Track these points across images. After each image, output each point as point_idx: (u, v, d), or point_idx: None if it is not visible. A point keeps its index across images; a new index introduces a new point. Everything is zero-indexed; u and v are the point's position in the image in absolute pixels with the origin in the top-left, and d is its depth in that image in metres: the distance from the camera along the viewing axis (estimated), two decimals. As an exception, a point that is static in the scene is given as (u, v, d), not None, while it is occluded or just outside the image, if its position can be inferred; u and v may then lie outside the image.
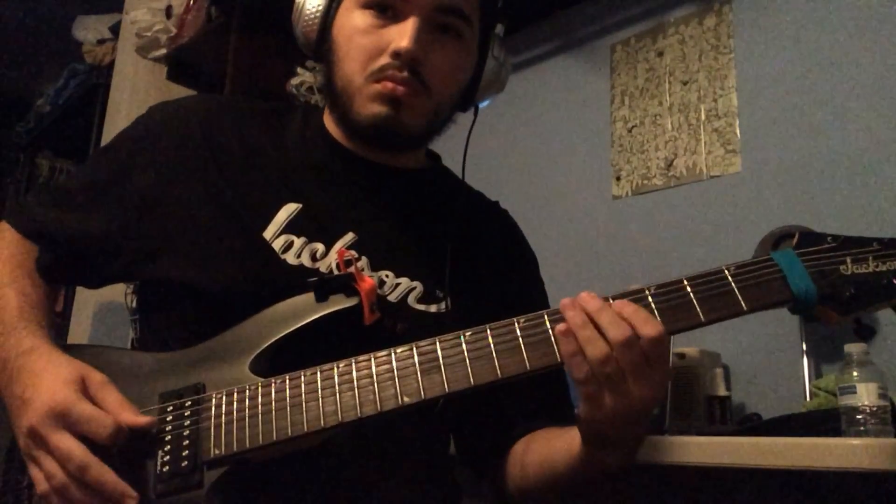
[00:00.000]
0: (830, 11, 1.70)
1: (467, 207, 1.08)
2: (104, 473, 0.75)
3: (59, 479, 0.76)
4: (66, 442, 0.76)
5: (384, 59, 0.91)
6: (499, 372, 0.76)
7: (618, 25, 2.13)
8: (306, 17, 0.97)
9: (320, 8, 0.96)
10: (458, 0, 0.94)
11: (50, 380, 0.80)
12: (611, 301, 0.76)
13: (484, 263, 1.04)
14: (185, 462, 0.78)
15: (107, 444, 0.76)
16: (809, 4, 1.74)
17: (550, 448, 0.91)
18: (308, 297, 0.87)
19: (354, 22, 0.93)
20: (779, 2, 1.79)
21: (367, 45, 0.92)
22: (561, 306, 0.76)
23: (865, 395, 1.13)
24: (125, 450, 0.78)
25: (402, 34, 0.90)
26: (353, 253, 0.93)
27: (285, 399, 0.79)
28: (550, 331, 0.77)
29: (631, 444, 0.82)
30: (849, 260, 0.76)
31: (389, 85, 0.91)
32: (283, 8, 0.98)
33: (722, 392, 1.53)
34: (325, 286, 0.86)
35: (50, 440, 0.76)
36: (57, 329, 0.93)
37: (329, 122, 1.01)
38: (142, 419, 0.79)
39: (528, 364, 0.76)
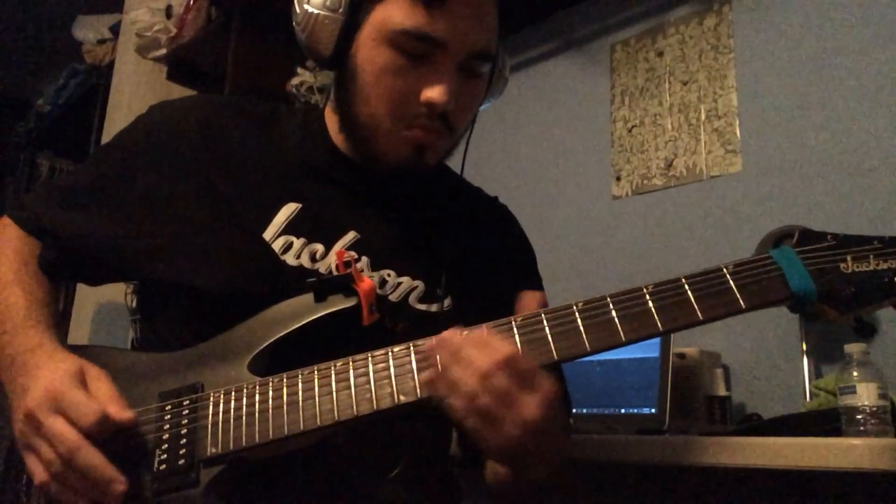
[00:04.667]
0: (830, 11, 1.70)
1: (467, 204, 1.08)
2: (93, 457, 0.75)
3: (57, 467, 0.76)
4: (59, 424, 0.76)
5: (416, 108, 0.89)
6: None
7: (618, 25, 2.13)
8: (318, 31, 0.91)
9: (338, 27, 0.90)
10: (488, 44, 0.92)
11: (50, 370, 0.81)
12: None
13: (484, 260, 1.04)
14: (182, 460, 0.79)
15: (90, 432, 0.76)
16: (809, 4, 1.74)
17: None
18: (307, 298, 0.87)
19: (383, 60, 0.88)
20: (779, 2, 1.79)
21: (398, 88, 0.89)
22: (427, 348, 0.77)
23: (865, 395, 1.13)
24: (118, 446, 0.78)
25: (437, 86, 0.88)
26: (353, 254, 0.93)
27: (282, 398, 0.79)
28: (547, 330, 0.77)
29: (546, 459, 0.79)
30: (849, 258, 0.76)
31: (420, 134, 0.91)
32: (283, 8, 0.96)
33: (722, 392, 1.53)
34: (324, 286, 0.86)
35: (45, 422, 0.77)
36: (58, 328, 0.93)
37: (330, 126, 1.00)
38: (123, 414, 0.79)
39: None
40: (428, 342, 0.78)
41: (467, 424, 0.74)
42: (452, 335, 0.76)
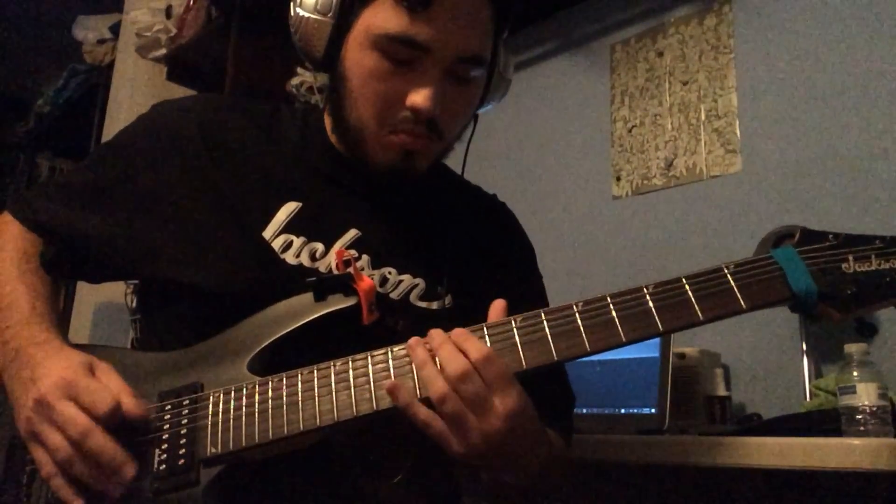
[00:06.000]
0: (830, 11, 1.70)
1: (466, 202, 1.08)
2: (104, 440, 0.75)
3: (64, 453, 0.76)
4: (70, 409, 0.76)
5: (401, 112, 0.89)
6: None
7: (618, 25, 2.13)
8: (309, 34, 0.91)
9: (327, 30, 0.90)
10: (477, 48, 0.91)
11: (62, 360, 0.81)
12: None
13: (484, 258, 1.04)
14: (182, 460, 0.78)
15: (103, 418, 0.76)
16: (809, 5, 1.74)
17: None
18: (307, 297, 0.87)
19: (369, 64, 0.88)
20: (779, 2, 1.79)
21: (384, 92, 0.88)
22: (407, 346, 0.79)
23: (865, 395, 1.13)
24: (124, 439, 0.78)
25: (422, 91, 0.87)
26: (353, 252, 0.93)
27: (282, 398, 0.79)
28: (547, 329, 0.77)
29: (516, 467, 0.81)
30: (850, 258, 0.75)
31: (407, 139, 0.90)
32: (283, 8, 0.96)
33: (722, 392, 1.53)
34: (324, 286, 0.86)
35: (55, 407, 0.76)
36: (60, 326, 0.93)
37: (328, 126, 1.01)
38: (136, 407, 0.79)
39: (524, 363, 0.76)
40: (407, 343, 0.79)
41: (432, 429, 0.76)
42: (437, 332, 0.78)
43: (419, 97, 0.87)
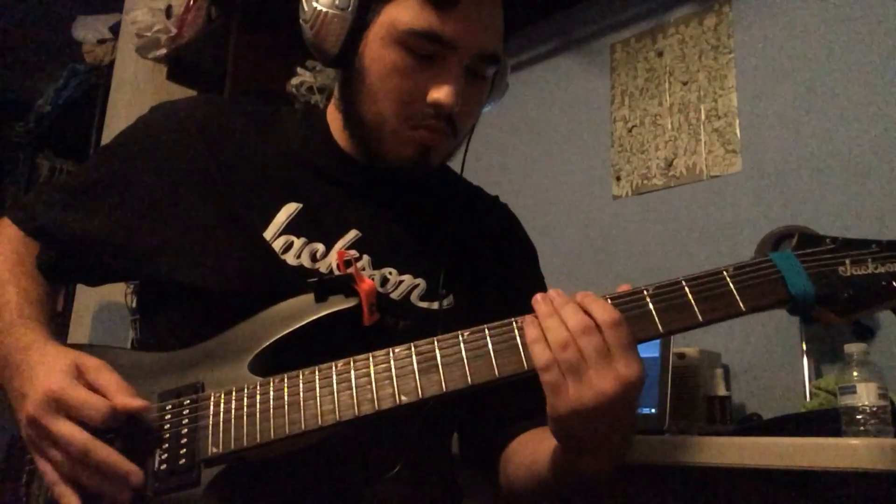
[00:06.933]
0: (830, 11, 1.70)
1: (467, 203, 1.08)
2: (108, 454, 0.76)
3: (68, 467, 0.76)
4: (65, 427, 0.76)
5: (422, 108, 0.89)
6: (496, 371, 0.76)
7: (618, 25, 2.13)
8: (325, 29, 0.90)
9: (346, 25, 0.90)
10: (497, 46, 0.92)
11: (44, 370, 0.80)
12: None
13: (485, 259, 1.04)
14: (183, 460, 0.78)
15: (101, 428, 0.76)
16: (809, 4, 1.74)
17: (538, 450, 0.90)
18: (308, 298, 0.87)
19: (391, 59, 0.89)
20: (779, 2, 1.79)
21: (405, 88, 0.89)
22: (533, 301, 0.77)
23: (865, 395, 1.13)
24: (124, 440, 0.78)
25: (445, 87, 0.88)
26: (354, 253, 0.93)
27: (283, 398, 0.79)
28: None
29: (607, 448, 0.79)
30: (847, 262, 0.76)
31: (426, 135, 0.91)
32: (283, 8, 0.96)
33: (722, 392, 1.53)
34: (325, 286, 0.86)
35: (50, 427, 0.76)
36: (57, 329, 0.93)
37: (332, 124, 1.01)
38: (136, 402, 0.79)
39: (525, 364, 0.76)
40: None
41: (547, 375, 0.72)
42: (559, 293, 0.76)
43: (442, 93, 0.88)
